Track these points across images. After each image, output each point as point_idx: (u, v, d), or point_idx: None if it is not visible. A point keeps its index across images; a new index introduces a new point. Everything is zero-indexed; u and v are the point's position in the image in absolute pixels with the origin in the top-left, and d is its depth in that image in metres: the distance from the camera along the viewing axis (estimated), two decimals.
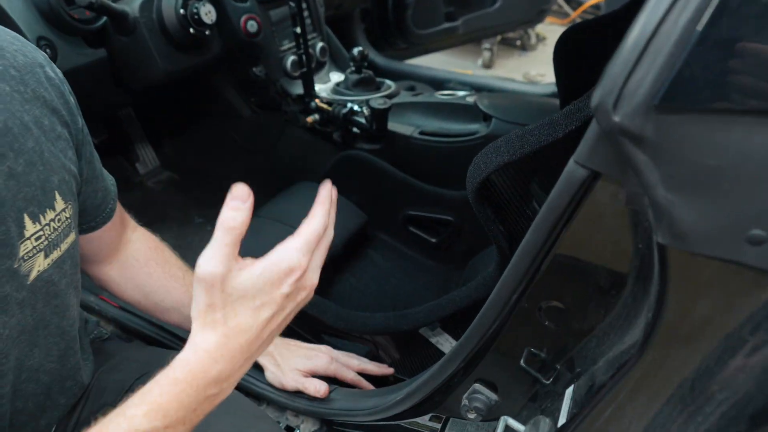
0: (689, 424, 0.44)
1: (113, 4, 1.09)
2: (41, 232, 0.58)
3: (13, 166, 0.55)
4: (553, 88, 1.91)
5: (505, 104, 1.50)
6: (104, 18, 1.16)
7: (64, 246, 0.63)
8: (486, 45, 3.92)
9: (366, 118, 1.51)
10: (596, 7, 4.31)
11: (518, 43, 4.27)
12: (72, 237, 0.65)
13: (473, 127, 1.48)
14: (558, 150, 0.66)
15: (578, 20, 4.47)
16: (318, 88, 1.65)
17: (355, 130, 1.56)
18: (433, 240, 1.51)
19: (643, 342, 0.48)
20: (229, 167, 1.83)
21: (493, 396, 0.66)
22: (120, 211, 0.81)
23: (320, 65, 1.77)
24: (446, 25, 2.59)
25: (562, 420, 0.54)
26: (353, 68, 1.63)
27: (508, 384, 0.66)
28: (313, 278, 0.56)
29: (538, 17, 3.11)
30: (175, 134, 1.86)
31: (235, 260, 0.51)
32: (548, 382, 0.62)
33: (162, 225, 1.67)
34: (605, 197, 0.48)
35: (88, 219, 0.74)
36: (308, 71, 1.56)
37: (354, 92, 1.60)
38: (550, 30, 4.34)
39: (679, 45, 0.36)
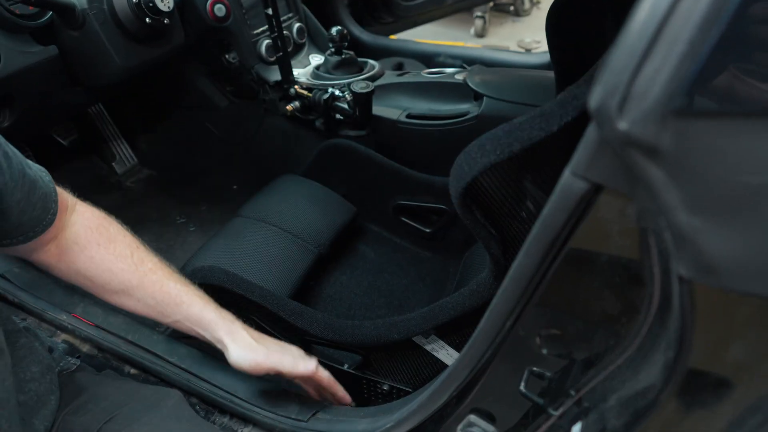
0: None
1: None
2: None
3: None
4: (549, 58, 1.80)
5: (497, 81, 1.39)
6: (50, 12, 1.05)
7: None
8: (478, 13, 3.77)
9: (349, 103, 1.41)
10: None
11: (511, 8, 4.12)
12: None
13: (464, 107, 1.38)
14: (553, 144, 0.57)
15: None
16: (297, 72, 1.54)
17: (338, 116, 1.46)
18: (427, 230, 1.42)
19: (662, 385, 0.39)
20: (208, 161, 1.74)
21: (491, 428, 0.59)
22: (60, 197, 0.72)
23: (298, 48, 1.66)
24: None
25: None
26: (333, 49, 1.52)
27: (507, 414, 0.59)
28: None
29: None
30: (151, 130, 1.76)
31: None
32: (555, 413, 0.54)
33: (142, 227, 1.59)
34: (611, 214, 0.39)
35: (24, 230, 0.67)
36: (284, 55, 1.45)
37: (335, 75, 1.50)
38: None
39: (704, 27, 0.27)
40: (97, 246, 0.75)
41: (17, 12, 1.02)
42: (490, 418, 0.60)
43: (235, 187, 1.72)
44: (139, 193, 1.70)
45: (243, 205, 1.36)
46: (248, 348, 0.76)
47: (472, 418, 0.59)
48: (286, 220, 1.30)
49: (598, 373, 0.48)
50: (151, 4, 1.07)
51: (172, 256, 1.49)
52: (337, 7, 2.26)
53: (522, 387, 0.57)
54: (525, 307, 0.48)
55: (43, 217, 0.68)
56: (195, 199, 1.66)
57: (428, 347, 0.94)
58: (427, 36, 2.61)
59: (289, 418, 0.87)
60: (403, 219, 1.44)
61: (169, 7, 1.10)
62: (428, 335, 0.92)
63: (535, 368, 0.57)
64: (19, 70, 1.04)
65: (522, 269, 0.45)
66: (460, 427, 0.60)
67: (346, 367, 1.04)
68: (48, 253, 0.73)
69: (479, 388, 0.58)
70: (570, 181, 0.39)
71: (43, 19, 1.06)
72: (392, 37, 2.51)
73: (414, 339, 0.93)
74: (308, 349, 1.07)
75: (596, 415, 0.47)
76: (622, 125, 0.30)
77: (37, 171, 0.69)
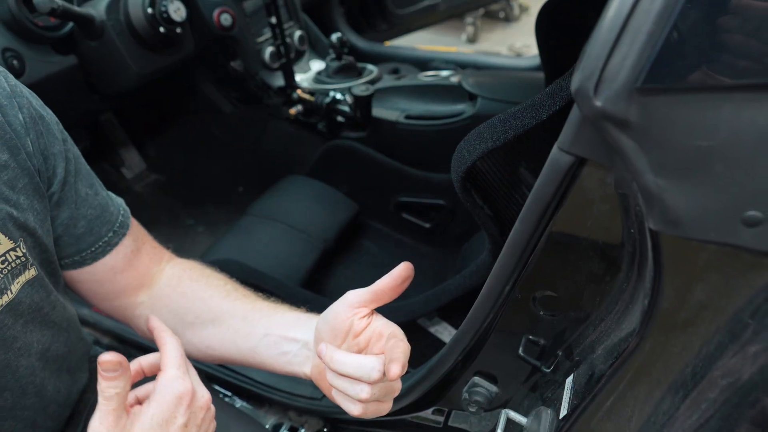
0: (693, 412, 0.43)
1: (76, 9, 1.05)
2: None
3: None
4: (537, 61, 1.88)
5: (490, 82, 1.47)
6: (71, 24, 1.12)
7: (15, 287, 0.58)
8: (469, 19, 3.86)
9: (349, 105, 1.48)
10: None
11: (501, 14, 4.21)
12: (27, 276, 0.59)
13: (459, 107, 1.45)
14: (543, 132, 0.64)
15: None
16: (299, 78, 1.61)
17: (339, 119, 1.53)
18: (427, 225, 1.49)
19: (641, 329, 0.46)
20: (214, 164, 1.80)
21: (493, 388, 0.65)
22: (141, 241, 0.73)
23: (300, 54, 1.73)
24: (426, 2, 2.52)
25: (563, 411, 0.52)
26: (333, 55, 1.59)
27: (508, 375, 0.65)
28: (204, 394, 0.57)
29: None
30: (158, 135, 1.83)
31: (124, 418, 0.53)
32: (548, 371, 0.61)
33: (153, 230, 1.64)
34: (593, 183, 0.46)
35: (73, 251, 0.66)
36: (287, 62, 1.53)
37: (336, 80, 1.57)
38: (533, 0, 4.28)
39: (659, 22, 0.34)
40: (189, 281, 0.74)
41: (40, 24, 1.08)
42: (492, 379, 0.66)
43: (240, 189, 1.78)
44: (148, 197, 1.76)
45: (251, 204, 1.43)
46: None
47: (477, 379, 0.65)
48: (293, 218, 1.36)
49: (588, 329, 0.55)
50: (165, 15, 1.14)
51: (182, 256, 1.55)
52: (334, 15, 2.33)
53: (520, 351, 0.64)
54: (521, 271, 0.54)
55: (91, 240, 0.67)
56: (202, 201, 1.72)
57: (432, 329, 1.01)
58: (420, 42, 2.68)
59: (304, 397, 0.94)
60: (404, 215, 1.51)
61: (182, 17, 1.17)
62: (432, 317, 0.98)
63: (531, 336, 0.64)
64: (41, 79, 1.10)
65: (518, 236, 0.52)
66: (465, 388, 0.67)
67: None
68: (143, 305, 0.73)
69: (482, 352, 0.64)
70: (557, 156, 0.46)
71: (63, 31, 1.13)
72: (387, 43, 2.58)
73: (419, 322, 1.00)
74: None
75: (586, 365, 0.54)
76: (598, 103, 0.37)
77: (99, 198, 0.69)
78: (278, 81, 1.59)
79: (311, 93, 1.56)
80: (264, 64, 1.60)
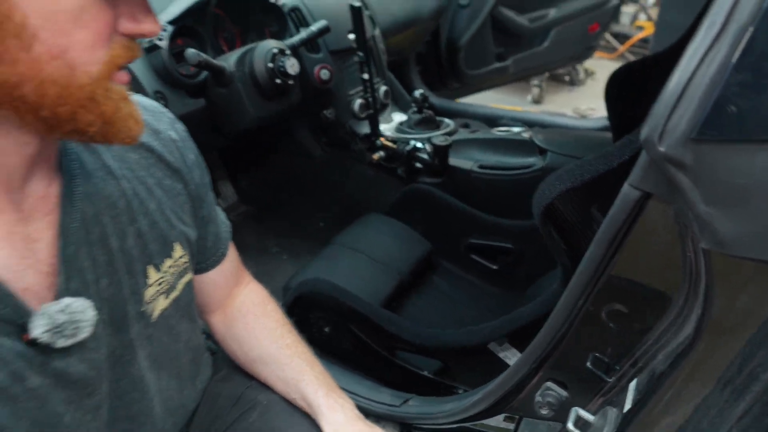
0: (739, 402, 0.53)
1: (215, 61, 1.27)
2: (162, 278, 0.69)
3: (140, 227, 0.65)
4: (605, 122, 2.00)
5: (560, 138, 1.60)
6: (205, 72, 1.35)
7: (180, 286, 0.74)
8: (535, 81, 4.03)
9: (428, 154, 1.65)
10: (645, 40, 4.37)
11: (567, 78, 4.36)
12: (187, 277, 0.75)
13: (530, 160, 1.58)
14: (613, 178, 0.76)
15: (627, 55, 4.53)
16: (382, 127, 1.80)
17: (418, 165, 1.70)
18: (494, 267, 1.60)
19: (695, 334, 0.57)
20: (300, 201, 2.00)
21: (564, 393, 0.75)
22: (235, 264, 0.89)
23: (384, 107, 1.93)
24: (497, 65, 2.71)
25: (627, 406, 0.62)
26: (415, 109, 1.78)
27: (577, 382, 0.75)
28: None
29: (586, 53, 3.20)
30: (253, 171, 2.05)
31: None
32: (614, 380, 0.71)
33: (242, 254, 1.83)
34: (656, 214, 0.58)
35: (200, 259, 0.81)
36: (374, 113, 1.72)
37: (416, 131, 1.74)
38: (599, 65, 4.41)
39: (709, 90, 0.47)
40: (254, 316, 0.88)
41: (183, 72, 1.32)
42: (563, 385, 0.76)
43: (321, 224, 1.96)
44: (239, 226, 1.97)
45: (335, 235, 1.59)
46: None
47: (549, 384, 0.76)
48: (373, 250, 1.51)
49: (650, 338, 0.65)
50: (282, 69, 1.35)
51: (270, 279, 1.72)
52: (411, 73, 2.56)
53: (588, 364, 0.74)
54: (594, 287, 0.66)
55: (214, 251, 0.83)
56: (287, 232, 1.91)
57: (501, 354, 1.11)
58: (487, 101, 2.85)
59: (383, 403, 1.05)
60: (473, 257, 1.63)
61: (295, 71, 1.38)
62: (502, 343, 1.08)
63: (598, 352, 0.74)
64: (178, 117, 1.32)
65: (592, 258, 0.64)
66: (538, 392, 0.77)
67: (425, 372, 1.21)
68: (217, 317, 0.90)
69: (555, 359, 0.75)
70: (628, 191, 0.58)
71: (199, 78, 1.36)
72: (457, 100, 2.77)
73: (489, 346, 1.10)
74: (393, 355, 1.25)
75: (648, 369, 0.64)
76: (662, 148, 0.50)
77: (219, 218, 0.86)
78: (364, 129, 1.78)
79: (393, 141, 1.73)
80: (353, 113, 1.80)
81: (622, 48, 4.48)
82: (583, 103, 3.96)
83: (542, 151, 1.57)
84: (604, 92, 1.19)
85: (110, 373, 0.65)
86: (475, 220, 1.58)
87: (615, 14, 3.07)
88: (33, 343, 0.53)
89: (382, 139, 1.75)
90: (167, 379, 0.77)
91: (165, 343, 0.74)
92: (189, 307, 0.79)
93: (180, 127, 0.76)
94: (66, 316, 0.54)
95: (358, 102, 1.80)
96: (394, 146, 1.71)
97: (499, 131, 1.74)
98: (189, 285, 0.77)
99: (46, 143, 0.55)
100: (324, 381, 0.85)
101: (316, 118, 1.83)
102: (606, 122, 1.97)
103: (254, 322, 0.89)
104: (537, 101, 4.09)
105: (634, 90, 1.14)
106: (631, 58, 4.50)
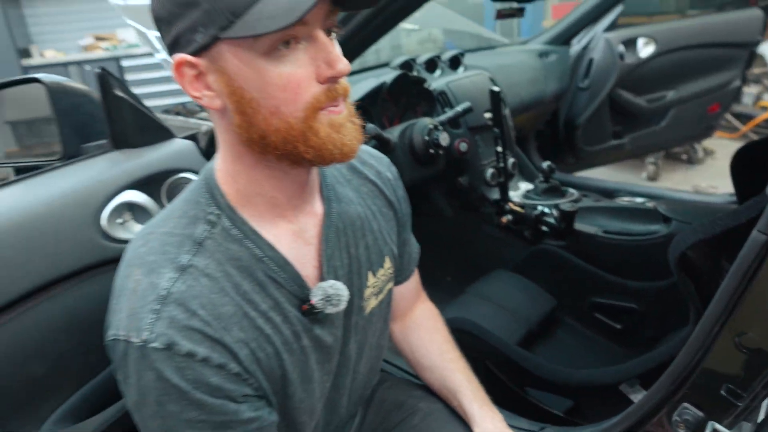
0: None
1: (384, 133, 1.57)
2: (376, 282, 0.91)
3: (367, 241, 0.86)
4: (729, 198, 2.06)
5: (685, 209, 1.71)
6: (373, 141, 1.65)
7: (386, 290, 0.95)
8: (651, 159, 4.05)
9: (555, 218, 1.82)
10: None
11: (684, 157, 4.34)
12: (390, 285, 0.97)
13: (654, 227, 1.70)
14: (742, 232, 0.90)
15: (750, 134, 4.44)
16: (510, 194, 2.01)
17: (544, 228, 1.87)
18: (618, 326, 1.70)
19: None
20: (431, 256, 2.22)
21: (699, 413, 0.87)
22: (417, 282, 1.09)
23: (511, 176, 2.14)
24: (613, 142, 2.84)
25: (761, 417, 0.74)
26: (542, 178, 1.97)
27: (712, 405, 0.87)
28: None
29: (706, 133, 3.22)
30: None
31: None
32: (746, 404, 0.82)
33: None
34: None
35: (396, 274, 0.98)
36: (505, 180, 1.93)
37: (543, 198, 1.93)
38: (719, 144, 4.35)
39: None
40: (426, 330, 1.08)
41: None
42: (698, 407, 0.88)
43: (449, 278, 2.16)
44: None
45: (467, 287, 1.78)
46: None
47: (686, 405, 0.88)
48: (503, 301, 1.68)
49: None
50: (436, 141, 1.62)
51: None
52: (530, 147, 2.77)
53: (722, 392, 0.86)
54: (728, 317, 0.80)
55: (407, 268, 1.04)
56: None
57: (632, 396, 1.21)
58: (600, 176, 2.95)
59: (521, 429, 1.19)
60: (597, 315, 1.74)
61: (446, 143, 1.64)
62: (633, 384, 1.19)
63: (731, 384, 0.86)
64: None
65: (726, 290, 0.79)
66: (676, 413, 0.89)
67: (556, 411, 1.33)
68: (396, 324, 1.09)
69: (691, 386, 0.87)
70: (756, 236, 0.74)
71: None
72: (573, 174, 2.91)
73: (620, 387, 1.21)
74: (524, 392, 1.39)
75: None
76: None
77: (412, 242, 1.06)
78: (494, 195, 2.00)
79: (521, 206, 1.93)
80: (485, 181, 2.02)
81: (744, 128, 4.42)
82: (703, 181, 3.93)
83: (666, 220, 1.68)
84: (730, 166, 1.32)
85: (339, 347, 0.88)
86: (599, 280, 1.71)
87: (737, 95, 3.09)
88: (308, 312, 0.77)
89: (510, 204, 1.96)
90: (362, 365, 0.97)
91: (368, 335, 0.95)
92: (387, 310, 1.00)
93: (394, 169, 1.00)
94: (333, 291, 0.77)
95: (489, 171, 2.03)
96: (522, 211, 1.91)
97: (622, 201, 1.88)
98: (390, 292, 0.98)
99: (307, 175, 0.78)
100: (479, 395, 1.03)
101: (451, 183, 2.08)
102: (730, 197, 2.03)
103: (426, 335, 1.09)
104: (652, 179, 4.10)
105: (760, 165, 1.27)
106: (754, 137, 4.40)
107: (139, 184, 1.01)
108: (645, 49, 2.63)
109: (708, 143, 4.34)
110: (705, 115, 2.96)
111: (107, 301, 0.70)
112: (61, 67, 4.98)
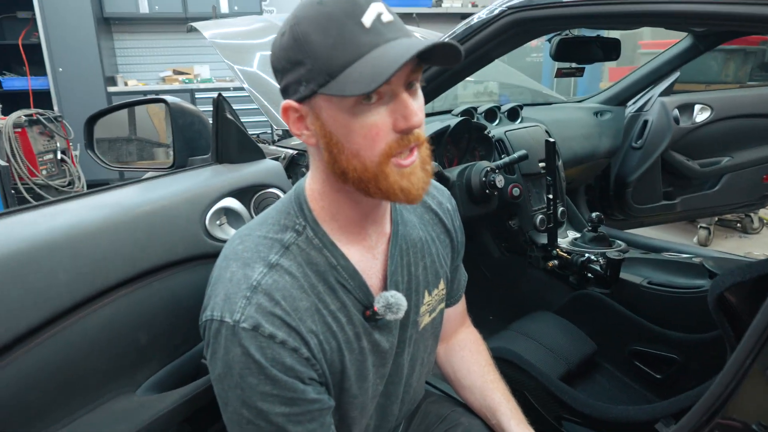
0: None
1: (445, 172, 1.71)
2: (430, 301, 1.02)
3: (426, 262, 0.97)
4: None
5: (733, 265, 1.76)
6: (434, 178, 1.79)
7: (438, 309, 1.06)
8: (703, 224, 4.01)
9: (601, 266, 1.89)
10: None
11: (738, 225, 4.28)
12: (442, 305, 1.08)
13: (699, 282, 1.75)
14: None
15: None
16: (558, 241, 2.09)
17: (589, 275, 1.94)
18: (658, 376, 1.73)
19: None
20: (477, 296, 2.31)
21: None
22: (464, 307, 1.19)
23: (560, 224, 2.23)
24: (664, 202, 2.86)
25: None
26: (590, 227, 2.05)
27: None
28: None
29: (761, 202, 3.19)
30: None
31: None
32: None
33: None
34: None
35: (447, 296, 1.08)
36: (554, 227, 2.03)
37: (590, 246, 2.01)
38: None
39: None
40: (469, 352, 1.17)
41: None
42: None
43: (491, 317, 2.24)
44: None
45: (510, 323, 1.86)
46: None
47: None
48: (544, 339, 1.75)
49: None
50: (492, 182, 1.75)
51: None
52: (578, 200, 2.84)
53: (753, 426, 0.92)
54: (761, 349, 0.87)
55: (455, 293, 1.14)
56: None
57: None
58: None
59: None
60: (637, 363, 1.77)
61: (501, 185, 1.77)
62: (669, 424, 1.24)
63: (762, 422, 0.92)
64: None
65: (759, 326, 0.86)
66: None
67: None
68: (442, 345, 1.17)
69: (720, 416, 0.94)
70: None
71: None
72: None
73: (656, 426, 1.26)
74: (560, 425, 1.44)
75: None
76: None
77: (461, 270, 1.17)
78: (542, 240, 2.09)
79: (568, 253, 2.01)
80: (534, 226, 2.12)
81: None
82: (757, 249, 3.86)
83: (712, 276, 1.73)
84: None
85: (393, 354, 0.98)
86: (641, 328, 1.75)
87: None
88: (370, 318, 0.88)
89: (557, 249, 2.04)
90: (414, 378, 1.08)
91: (420, 350, 1.05)
92: (438, 329, 1.11)
93: (453, 201, 1.12)
94: (394, 300, 0.88)
95: (539, 217, 2.13)
96: (569, 257, 1.99)
97: (669, 254, 1.94)
98: (442, 312, 1.09)
99: (380, 202, 0.89)
100: (517, 414, 1.12)
101: (502, 225, 2.18)
102: None
103: (469, 356, 1.19)
104: (703, 244, 4.04)
105: None
106: None
107: (236, 194, 1.17)
108: (701, 115, 2.68)
109: (764, 212, 4.28)
110: (760, 183, 2.95)
111: (198, 290, 0.84)
112: (140, 95, 5.45)
